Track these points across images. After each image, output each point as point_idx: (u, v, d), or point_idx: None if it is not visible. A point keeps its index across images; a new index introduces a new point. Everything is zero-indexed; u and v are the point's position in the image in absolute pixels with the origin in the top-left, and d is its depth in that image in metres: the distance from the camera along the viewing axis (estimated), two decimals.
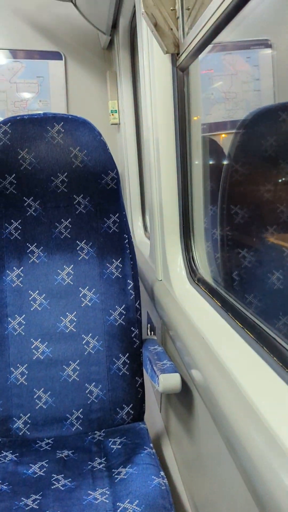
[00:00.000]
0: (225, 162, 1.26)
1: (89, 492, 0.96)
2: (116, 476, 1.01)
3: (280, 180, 1.25)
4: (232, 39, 1.94)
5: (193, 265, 1.24)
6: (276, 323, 1.00)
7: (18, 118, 1.20)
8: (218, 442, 0.82)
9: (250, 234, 1.24)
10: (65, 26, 2.23)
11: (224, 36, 0.91)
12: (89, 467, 1.06)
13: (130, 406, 1.23)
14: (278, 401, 0.61)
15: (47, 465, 1.07)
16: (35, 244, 1.25)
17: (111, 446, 1.13)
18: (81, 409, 1.21)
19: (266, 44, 2.08)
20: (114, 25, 2.00)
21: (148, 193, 1.44)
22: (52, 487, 0.98)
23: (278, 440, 0.54)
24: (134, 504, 0.90)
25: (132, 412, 1.23)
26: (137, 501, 0.91)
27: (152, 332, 1.54)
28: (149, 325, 1.58)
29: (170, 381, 1.03)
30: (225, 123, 2.07)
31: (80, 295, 1.24)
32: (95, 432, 1.21)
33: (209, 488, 0.94)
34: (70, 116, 1.21)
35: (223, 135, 2.08)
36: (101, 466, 1.07)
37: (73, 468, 1.06)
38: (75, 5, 1.99)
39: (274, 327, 0.78)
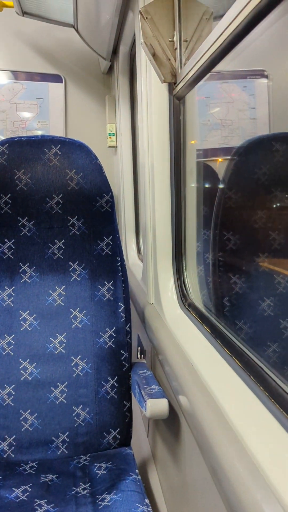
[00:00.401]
0: (219, 188, 1.28)
1: None
2: (100, 502, 0.99)
3: (272, 208, 1.27)
4: (229, 69, 1.99)
5: (184, 290, 1.24)
6: (264, 351, 1.01)
7: (16, 139, 1.21)
8: (203, 471, 0.82)
9: (242, 261, 1.25)
10: (66, 50, 2.29)
11: (221, 67, 0.94)
12: (72, 492, 1.04)
13: (117, 430, 1.22)
14: (263, 431, 0.61)
15: (30, 489, 1.04)
16: (28, 264, 1.25)
17: (96, 471, 1.12)
18: (67, 432, 1.20)
19: (262, 74, 2.14)
20: (115, 51, 2.05)
21: (142, 216, 1.45)
22: None
23: (262, 471, 0.54)
24: None
25: (119, 437, 1.22)
26: None
27: (142, 356, 1.53)
28: (139, 348, 1.57)
29: (157, 406, 1.02)
30: (221, 149, 2.11)
31: (71, 317, 1.24)
32: (81, 456, 1.19)
33: None
34: (67, 139, 1.22)
35: (220, 160, 2.11)
36: (85, 491, 1.05)
37: (57, 493, 1.04)
38: (77, 30, 2.04)
39: (262, 355, 0.78)
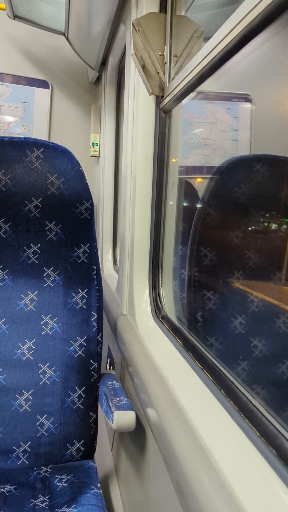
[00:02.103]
0: (198, 205, 1.29)
1: None
2: None
3: (249, 228, 1.29)
4: (215, 90, 2.03)
5: (159, 302, 1.24)
6: (235, 367, 1.01)
7: None
8: (167, 486, 0.80)
9: (217, 277, 1.25)
10: (55, 57, 2.29)
11: (207, 86, 0.95)
12: (31, 504, 1.01)
13: (81, 442, 1.19)
14: (231, 446, 0.60)
15: None
16: (1, 266, 1.22)
17: (57, 483, 1.08)
18: (29, 442, 1.16)
19: (246, 98, 2.19)
20: (103, 62, 2.07)
21: (121, 227, 1.45)
22: None
23: (228, 486, 0.53)
24: None
25: (83, 449, 1.19)
26: None
27: (111, 367, 1.51)
28: (109, 359, 1.55)
29: (124, 418, 1.00)
30: (201, 168, 2.14)
31: (42, 323, 1.21)
32: (42, 467, 1.16)
33: None
34: (51, 144, 1.22)
35: (199, 179, 2.14)
36: (43, 504, 1.01)
37: (14, 505, 1.00)
38: (67, 38, 2.05)
39: (233, 371, 0.78)
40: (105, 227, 2.17)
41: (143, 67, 1.10)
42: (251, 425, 0.60)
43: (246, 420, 0.62)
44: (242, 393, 0.67)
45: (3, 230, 1.22)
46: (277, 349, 1.17)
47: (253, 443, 0.58)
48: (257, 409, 0.62)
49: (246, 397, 0.66)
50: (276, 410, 0.61)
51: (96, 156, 2.28)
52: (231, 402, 0.68)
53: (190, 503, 0.59)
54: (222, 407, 0.69)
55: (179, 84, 0.99)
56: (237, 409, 0.66)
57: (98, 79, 2.26)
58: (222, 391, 0.72)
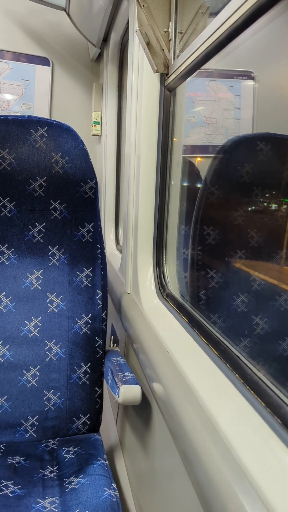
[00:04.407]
0: (201, 184, 1.30)
1: (38, 500, 0.94)
2: (67, 485, 0.99)
3: (252, 207, 1.30)
4: (219, 67, 2.01)
5: (163, 280, 1.26)
6: (238, 342, 1.03)
7: (2, 117, 1.19)
8: (173, 457, 0.83)
9: (220, 256, 1.27)
10: (56, 34, 2.25)
11: (213, 64, 0.95)
12: (40, 475, 1.05)
13: (87, 416, 1.22)
14: (237, 416, 0.63)
15: None
16: (6, 245, 1.23)
17: (64, 455, 1.12)
18: (37, 416, 1.19)
19: (249, 76, 2.16)
20: (105, 39, 2.04)
21: (125, 206, 1.46)
22: (1, 493, 0.95)
23: (235, 455, 0.56)
24: None
25: (89, 423, 1.22)
26: (87, 511, 0.90)
27: (115, 344, 1.54)
28: (112, 337, 1.58)
29: (130, 392, 1.03)
30: (204, 147, 2.13)
31: (47, 301, 1.23)
32: (49, 440, 1.19)
33: (160, 503, 0.94)
34: (54, 122, 1.21)
35: (199, 159, 2.13)
36: (52, 474, 1.05)
37: (24, 475, 1.04)
38: (68, 14, 2.01)
39: (237, 346, 0.80)
40: (107, 206, 2.17)
41: (148, 44, 1.09)
42: (256, 396, 0.63)
43: (251, 391, 0.64)
44: (247, 365, 0.70)
45: (8, 209, 1.23)
46: (278, 326, 1.19)
47: (258, 413, 0.60)
48: (262, 380, 0.64)
49: (251, 370, 0.68)
50: (280, 381, 0.63)
51: (97, 135, 2.27)
52: (236, 374, 0.70)
53: (197, 471, 0.62)
54: (228, 380, 0.71)
55: (185, 61, 0.98)
56: (242, 381, 0.68)
57: (100, 56, 2.23)
58: (227, 364, 0.75)
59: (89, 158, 1.22)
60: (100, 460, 1.09)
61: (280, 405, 0.57)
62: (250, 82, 2.17)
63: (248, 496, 0.50)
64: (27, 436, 1.19)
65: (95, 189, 1.24)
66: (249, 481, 0.52)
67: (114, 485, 1.00)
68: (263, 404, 0.60)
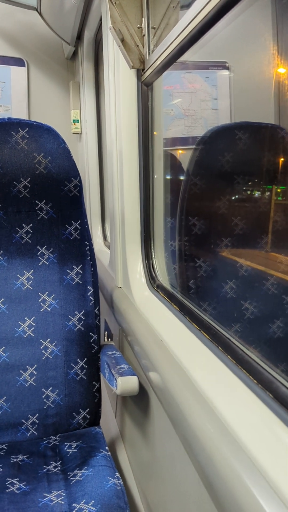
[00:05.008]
0: (184, 176, 1.32)
1: (44, 494, 0.96)
2: (71, 478, 1.02)
3: (235, 195, 1.32)
4: (194, 59, 2.03)
5: (153, 272, 1.28)
6: (228, 326, 1.06)
7: None
8: (173, 442, 0.86)
9: (206, 245, 1.30)
10: (29, 34, 2.25)
11: (188, 56, 0.97)
12: (44, 470, 1.07)
13: (87, 410, 1.24)
14: (232, 396, 0.65)
15: (1, 470, 1.06)
16: None
17: (67, 450, 1.14)
18: (37, 414, 1.21)
19: (224, 66, 2.18)
20: (79, 37, 2.04)
21: (110, 202, 1.47)
22: (7, 491, 0.97)
23: (233, 432, 0.59)
24: (90, 504, 0.91)
25: (89, 417, 1.24)
26: (93, 501, 0.92)
27: (110, 339, 1.56)
28: (106, 332, 1.60)
29: (128, 383, 1.06)
30: (184, 139, 2.15)
31: (40, 300, 1.24)
32: (51, 437, 1.21)
33: (164, 487, 0.97)
34: (35, 123, 1.22)
35: (181, 151, 2.15)
36: (56, 469, 1.07)
37: (28, 472, 1.06)
38: (40, 14, 2.01)
39: (228, 329, 0.83)
40: (92, 203, 2.18)
41: (122, 40, 1.10)
42: (248, 374, 0.66)
43: (244, 370, 0.67)
44: (238, 347, 0.73)
45: None
46: (266, 309, 1.22)
47: (251, 390, 0.63)
48: (253, 359, 0.67)
49: (242, 350, 0.71)
50: (269, 359, 0.66)
51: (78, 133, 2.28)
52: (228, 356, 0.73)
53: (197, 452, 0.64)
54: (221, 362, 0.74)
55: (160, 56, 1.00)
56: (234, 361, 0.71)
57: (75, 54, 2.23)
58: (219, 347, 0.77)
59: (72, 156, 1.23)
60: (102, 451, 1.11)
61: (271, 381, 0.60)
62: (225, 72, 2.19)
63: (247, 470, 0.52)
64: (28, 434, 1.20)
65: (79, 187, 1.25)
66: (247, 456, 0.54)
67: (117, 474, 1.02)
68: (255, 381, 0.63)
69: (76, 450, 1.13)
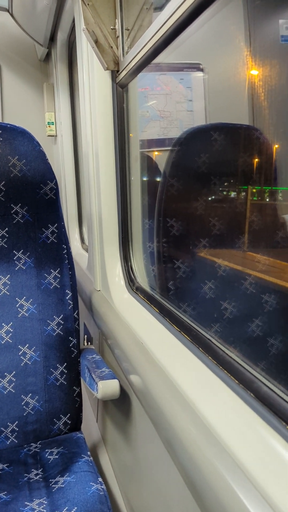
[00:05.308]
0: (161, 177, 1.32)
1: (26, 503, 0.95)
2: (53, 485, 1.00)
3: (211, 195, 1.33)
4: (168, 60, 2.03)
5: (132, 274, 1.27)
6: (208, 327, 1.06)
7: None
8: (156, 445, 0.85)
9: (185, 246, 1.30)
10: (1, 35, 2.21)
11: (162, 58, 0.97)
12: (25, 479, 1.05)
13: (68, 416, 1.23)
14: (213, 396, 0.65)
15: None
16: None
17: (48, 457, 1.12)
18: (17, 422, 1.19)
19: (198, 67, 2.20)
20: (52, 38, 2.02)
21: (87, 205, 1.46)
22: None
23: (218, 437, 0.58)
24: (72, 511, 0.90)
25: (69, 422, 1.23)
26: (76, 507, 0.91)
27: (89, 343, 1.55)
28: (86, 336, 1.58)
29: (109, 387, 1.05)
30: (160, 140, 2.16)
31: (17, 306, 1.22)
32: (31, 444, 1.19)
33: (147, 490, 0.96)
34: (8, 125, 1.20)
35: (156, 152, 2.16)
36: (37, 477, 1.05)
37: (9, 481, 1.04)
38: (11, 15, 1.98)
39: (207, 330, 0.83)
40: (69, 206, 2.16)
41: (96, 42, 1.10)
42: (229, 374, 0.66)
43: (224, 370, 0.67)
44: (218, 347, 0.73)
45: None
46: (245, 308, 1.23)
47: (232, 390, 0.63)
48: (233, 359, 0.67)
49: (222, 350, 0.71)
50: (249, 358, 0.66)
51: (53, 135, 2.25)
52: (209, 357, 0.73)
53: (180, 454, 0.64)
54: (202, 362, 0.74)
55: (134, 57, 1.00)
56: (215, 362, 0.71)
57: (48, 55, 2.21)
58: (200, 348, 0.77)
59: (47, 159, 1.22)
60: (84, 457, 1.10)
61: (252, 380, 0.60)
62: (200, 74, 2.21)
63: (230, 470, 0.52)
64: (8, 442, 1.18)
65: (55, 190, 1.23)
66: (230, 456, 0.54)
67: (100, 479, 1.01)
68: (236, 381, 0.63)
69: (57, 457, 1.11)
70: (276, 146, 1.41)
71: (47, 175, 1.21)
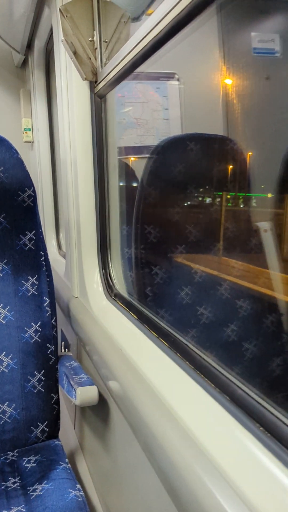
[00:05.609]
0: (139, 184, 1.34)
1: (3, 511, 0.94)
2: (31, 493, 1.00)
3: (187, 203, 1.36)
4: (144, 70, 2.07)
5: (110, 281, 1.29)
6: (186, 332, 1.08)
7: None
8: (134, 450, 0.87)
9: (162, 253, 1.32)
10: None
11: (141, 68, 0.99)
12: (2, 487, 1.04)
13: (45, 423, 1.23)
14: (191, 400, 0.67)
15: None
16: None
17: (25, 465, 1.12)
18: None
19: (173, 77, 2.24)
20: (29, 45, 2.03)
21: (65, 211, 1.47)
22: None
23: (196, 440, 0.60)
24: None
25: (47, 430, 1.23)
26: None
27: (67, 349, 1.55)
28: (63, 342, 1.58)
29: (87, 393, 1.06)
30: (137, 148, 2.18)
31: None
32: (8, 453, 1.19)
33: (126, 496, 0.97)
34: None
35: (133, 159, 2.18)
36: (15, 485, 1.05)
37: None
38: None
39: (185, 335, 0.85)
40: (46, 213, 2.16)
41: (75, 53, 1.11)
42: (205, 378, 0.68)
43: (201, 375, 0.69)
44: (196, 352, 0.75)
45: None
46: (220, 313, 1.26)
47: (209, 394, 0.65)
48: (209, 364, 0.69)
49: (199, 355, 0.73)
50: (225, 362, 0.69)
51: (30, 142, 2.25)
52: (186, 362, 0.75)
53: (159, 458, 0.66)
54: (179, 367, 0.76)
55: (112, 69, 1.02)
56: (192, 367, 0.73)
57: (25, 62, 2.21)
58: (177, 353, 0.79)
59: (25, 166, 1.22)
60: (62, 464, 1.10)
61: (227, 384, 0.62)
62: (175, 83, 2.25)
63: (209, 473, 0.54)
64: None
65: (33, 197, 1.24)
66: (208, 459, 0.56)
67: (78, 486, 1.02)
68: (213, 385, 0.66)
69: (35, 465, 1.11)
70: (250, 153, 1.45)
71: (25, 182, 1.22)
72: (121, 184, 1.38)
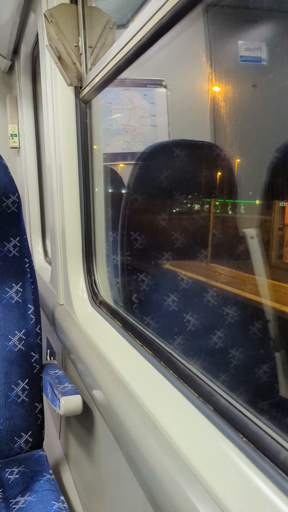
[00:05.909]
0: (125, 191, 1.34)
1: None
2: (14, 506, 0.98)
3: (174, 209, 1.36)
4: (131, 76, 2.07)
5: (95, 288, 1.27)
6: (170, 341, 1.08)
7: None
8: (118, 461, 0.85)
9: (148, 260, 1.31)
10: None
11: (126, 74, 0.99)
12: None
13: (29, 433, 1.20)
14: (174, 410, 0.66)
15: None
16: None
17: (8, 476, 1.09)
18: None
19: (161, 84, 2.25)
20: (15, 51, 2.02)
21: (50, 218, 1.45)
22: None
23: (179, 451, 0.59)
24: None
25: (31, 440, 1.20)
26: None
27: (52, 358, 1.53)
28: (48, 350, 1.56)
29: (71, 403, 1.04)
30: (124, 154, 2.18)
31: None
32: None
33: (110, 507, 0.95)
34: None
35: (121, 165, 2.18)
36: None
37: None
38: None
39: (169, 344, 0.84)
40: (32, 219, 2.14)
41: (59, 58, 1.11)
42: (189, 388, 0.67)
43: (185, 384, 0.68)
44: (179, 361, 0.74)
45: None
46: (206, 320, 1.26)
47: (192, 403, 0.64)
48: (193, 373, 0.68)
49: (184, 365, 0.72)
50: (209, 372, 0.68)
51: (16, 147, 2.23)
52: (170, 371, 0.74)
53: (142, 469, 0.64)
54: (163, 377, 0.75)
55: (97, 75, 1.01)
56: (176, 376, 0.72)
57: (11, 67, 2.20)
58: (161, 362, 0.78)
59: (9, 172, 1.21)
60: (46, 475, 1.08)
61: (211, 393, 0.61)
62: (163, 90, 2.26)
63: (191, 484, 0.53)
64: None
65: (18, 203, 1.22)
66: (190, 470, 0.55)
67: (62, 497, 1.00)
68: (196, 394, 0.65)
69: (18, 476, 1.09)
70: (237, 160, 1.46)
71: (9, 188, 1.20)
72: (108, 190, 1.37)
